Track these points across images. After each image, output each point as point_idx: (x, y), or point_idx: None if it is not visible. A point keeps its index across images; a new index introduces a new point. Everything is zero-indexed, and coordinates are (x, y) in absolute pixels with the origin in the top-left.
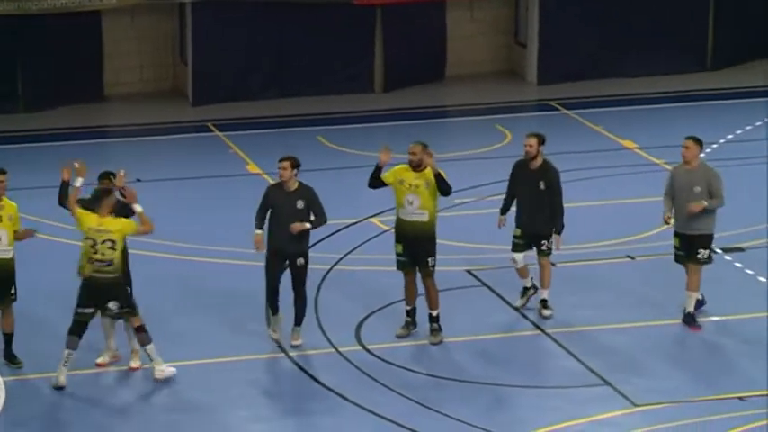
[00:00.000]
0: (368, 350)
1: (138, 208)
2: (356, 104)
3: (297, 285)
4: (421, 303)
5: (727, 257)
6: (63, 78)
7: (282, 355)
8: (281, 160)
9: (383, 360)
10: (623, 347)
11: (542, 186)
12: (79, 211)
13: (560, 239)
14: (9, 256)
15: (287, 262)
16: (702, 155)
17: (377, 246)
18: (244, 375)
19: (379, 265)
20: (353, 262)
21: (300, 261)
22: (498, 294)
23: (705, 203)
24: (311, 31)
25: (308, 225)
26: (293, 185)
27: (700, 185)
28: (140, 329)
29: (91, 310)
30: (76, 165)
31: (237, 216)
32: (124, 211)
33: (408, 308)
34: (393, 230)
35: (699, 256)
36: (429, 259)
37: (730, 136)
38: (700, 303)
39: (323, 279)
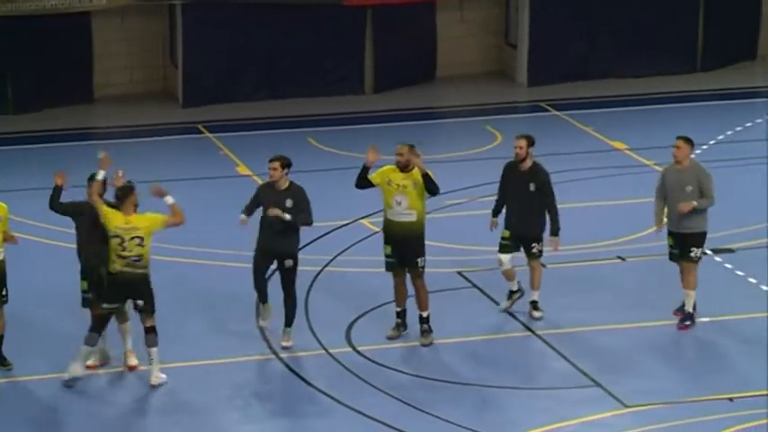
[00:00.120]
0: (358, 352)
1: (169, 200)
2: (346, 105)
3: (286, 286)
4: (411, 305)
5: (718, 259)
6: (53, 80)
7: (273, 356)
8: (271, 160)
9: (373, 361)
10: (614, 348)
11: (532, 188)
12: (105, 209)
13: (559, 241)
14: (0, 257)
15: (275, 261)
16: (693, 155)
17: (367, 247)
18: (234, 377)
19: (369, 266)
20: (344, 263)
21: (289, 263)
22: (488, 296)
23: (695, 203)
24: (301, 33)
25: (287, 216)
26: (284, 184)
27: (691, 185)
28: (151, 330)
29: (116, 306)
30: (101, 156)
31: (228, 218)
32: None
33: (398, 309)
34: (382, 232)
35: (691, 254)
36: (418, 260)
37: (720, 137)
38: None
39: (313, 281)
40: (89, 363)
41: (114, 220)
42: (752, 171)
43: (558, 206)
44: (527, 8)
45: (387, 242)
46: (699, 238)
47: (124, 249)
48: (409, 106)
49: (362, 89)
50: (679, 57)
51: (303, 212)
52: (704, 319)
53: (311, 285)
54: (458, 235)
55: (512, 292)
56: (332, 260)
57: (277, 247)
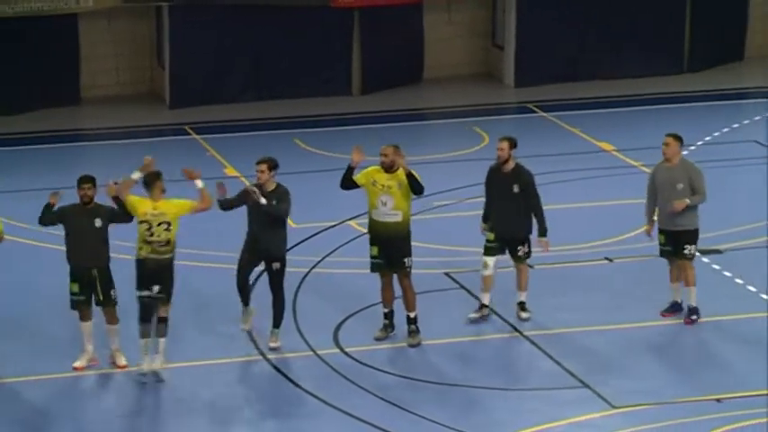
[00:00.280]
0: (346, 353)
1: (199, 183)
2: (334, 107)
3: (274, 288)
4: (399, 306)
5: (705, 259)
6: (40, 81)
7: (260, 357)
8: (258, 162)
9: (361, 363)
10: (601, 349)
11: (516, 190)
12: (131, 198)
13: (548, 241)
14: None
15: (261, 262)
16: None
17: (355, 248)
18: (221, 378)
19: (357, 267)
20: (331, 265)
21: (276, 265)
22: (476, 297)
23: (688, 201)
24: (289, 34)
25: (263, 200)
26: (271, 186)
27: (682, 182)
28: (164, 320)
29: (148, 293)
30: (146, 160)
31: (215, 219)
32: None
33: (386, 310)
34: (368, 233)
35: (686, 252)
36: (405, 260)
37: (708, 138)
38: (677, 307)
39: (301, 282)
40: (76, 364)
41: (143, 206)
42: (739, 172)
43: (546, 207)
44: (514, 10)
45: (373, 243)
46: (692, 236)
47: (152, 235)
48: (396, 108)
49: (350, 90)
50: (666, 58)
51: (279, 202)
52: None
53: (299, 287)
54: (445, 236)
55: (482, 306)
56: (319, 261)
57: (265, 248)
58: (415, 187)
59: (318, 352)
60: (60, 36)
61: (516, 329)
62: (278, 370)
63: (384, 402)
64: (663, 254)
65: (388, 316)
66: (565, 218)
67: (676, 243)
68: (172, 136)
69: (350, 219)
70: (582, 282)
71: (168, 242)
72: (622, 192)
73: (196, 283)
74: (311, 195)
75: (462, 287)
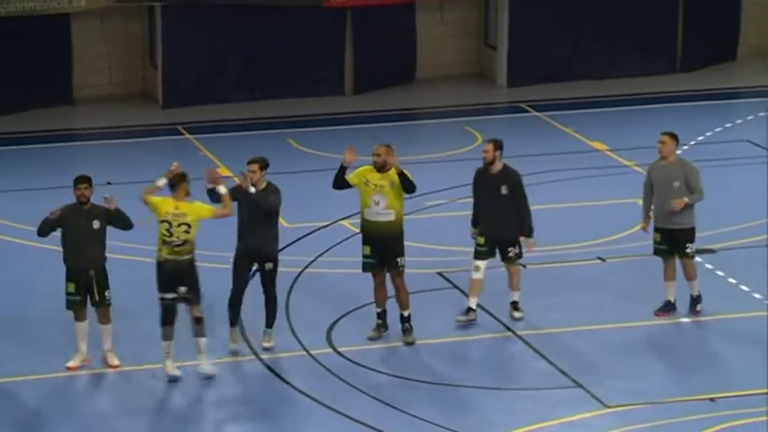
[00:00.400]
0: (339, 352)
1: (222, 189)
2: (326, 107)
3: (267, 287)
4: (392, 305)
5: (698, 259)
6: (32, 81)
7: (253, 357)
8: (249, 162)
9: (354, 362)
10: (594, 349)
11: (504, 191)
12: (153, 198)
13: (534, 242)
14: None
15: (255, 265)
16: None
17: (348, 248)
18: (215, 378)
19: (350, 267)
20: (324, 265)
21: (269, 266)
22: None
23: (686, 199)
24: (281, 34)
25: (252, 188)
26: (262, 185)
27: (678, 180)
28: (199, 321)
29: (171, 295)
30: (173, 166)
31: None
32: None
33: (379, 310)
34: (360, 232)
35: (687, 250)
36: (398, 259)
37: (701, 138)
38: (671, 307)
39: (294, 282)
40: (69, 364)
41: (165, 206)
42: (732, 172)
43: (539, 207)
44: (506, 10)
45: (365, 243)
46: (690, 234)
47: (171, 235)
48: (389, 107)
49: (342, 90)
50: (659, 58)
51: (272, 195)
52: (685, 320)
53: (292, 286)
54: (438, 236)
55: (469, 309)
56: (312, 261)
57: (257, 247)
58: (407, 186)
59: (311, 352)
60: (53, 36)
61: (509, 329)
62: (271, 370)
63: (377, 402)
64: (657, 252)
65: (381, 316)
66: (558, 217)
67: (674, 242)
68: (164, 136)
69: (343, 218)
70: (575, 281)
71: (185, 242)
72: (615, 191)
73: None
74: (304, 195)
75: (455, 287)
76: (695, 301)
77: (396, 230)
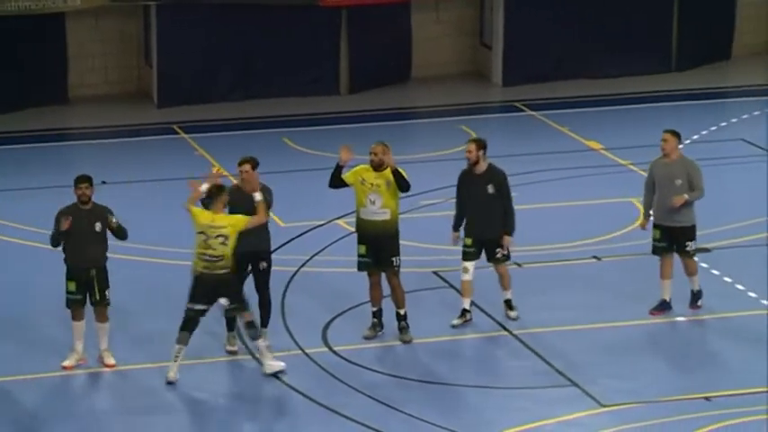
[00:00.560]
0: (334, 352)
1: (257, 196)
2: (322, 106)
3: (261, 287)
4: (387, 304)
5: (694, 258)
6: (27, 80)
7: (248, 357)
8: (241, 163)
9: (350, 361)
10: (590, 348)
11: (490, 190)
12: (194, 209)
13: (510, 240)
14: None
15: (249, 266)
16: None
17: (343, 247)
18: (210, 377)
19: (345, 266)
20: (320, 264)
21: (263, 265)
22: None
23: (686, 197)
24: (277, 33)
25: (258, 196)
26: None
27: (680, 178)
28: (250, 325)
29: (202, 307)
30: (213, 171)
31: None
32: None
33: (374, 309)
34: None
35: (687, 248)
36: (393, 259)
37: (695, 137)
38: (666, 306)
39: (289, 281)
40: (65, 364)
41: (202, 218)
42: (727, 171)
43: (534, 206)
44: (502, 9)
45: (361, 242)
46: (691, 232)
47: (208, 248)
48: (384, 107)
49: (338, 90)
50: (654, 57)
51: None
52: (680, 319)
53: (287, 286)
54: (433, 235)
55: (464, 311)
56: (308, 260)
57: (252, 249)
58: (402, 184)
59: (307, 351)
60: (48, 35)
61: (505, 328)
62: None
63: (373, 401)
64: (656, 250)
65: (377, 315)
66: (553, 216)
67: (674, 239)
68: (160, 135)
69: (338, 218)
70: (570, 280)
71: (223, 257)
72: (610, 190)
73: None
74: (299, 194)
75: (451, 286)
76: (696, 296)
77: (391, 230)
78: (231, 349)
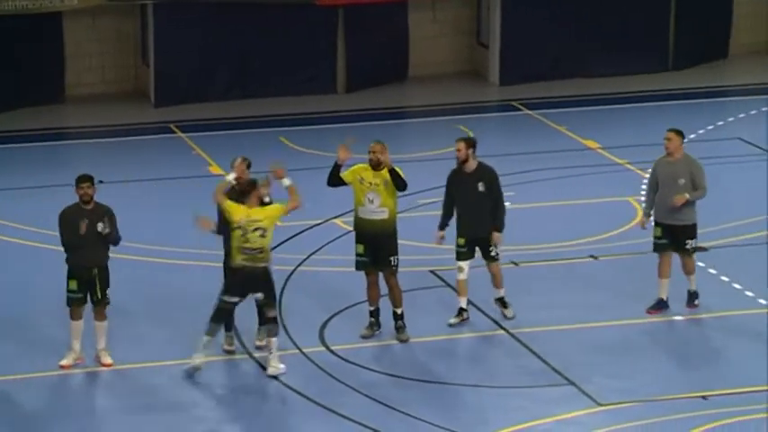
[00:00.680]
0: (332, 351)
1: (286, 182)
2: (319, 105)
3: None
4: (384, 304)
5: (692, 257)
6: (24, 80)
7: (246, 356)
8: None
9: (347, 361)
10: (587, 347)
11: (481, 188)
12: (228, 203)
13: (500, 237)
14: None
15: None
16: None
17: (340, 246)
18: (207, 376)
19: (342, 265)
20: (317, 263)
21: None
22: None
23: (687, 196)
24: (274, 32)
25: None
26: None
27: (684, 177)
28: (273, 320)
29: (236, 299)
30: (238, 160)
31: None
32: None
33: (372, 308)
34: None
35: (687, 246)
36: (391, 258)
37: (692, 135)
38: (663, 305)
39: (286, 280)
40: (62, 363)
41: (237, 213)
42: (724, 170)
43: (532, 205)
44: (499, 8)
45: (359, 241)
46: (692, 230)
47: (247, 241)
48: (381, 106)
49: (335, 89)
50: (651, 56)
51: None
52: (677, 318)
53: (284, 285)
54: (430, 234)
55: (461, 310)
56: (305, 260)
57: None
58: (398, 183)
59: (304, 350)
60: (45, 34)
61: (502, 327)
62: (264, 368)
63: (370, 400)
64: (657, 247)
65: (374, 314)
66: (550, 216)
67: (674, 237)
68: (157, 134)
69: (335, 217)
70: (567, 279)
71: (263, 250)
72: (607, 189)
73: (178, 281)
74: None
75: (448, 285)
76: (692, 296)
77: (389, 229)
78: (228, 349)
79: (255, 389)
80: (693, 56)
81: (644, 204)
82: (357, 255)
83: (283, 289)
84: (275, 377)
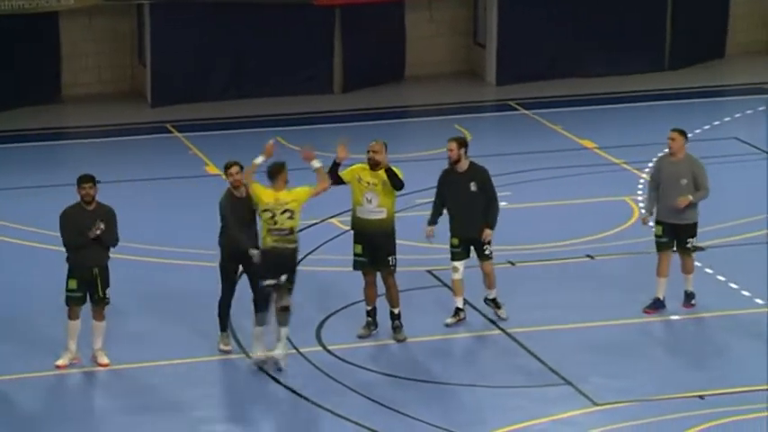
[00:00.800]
0: (328, 351)
1: (315, 164)
2: (315, 105)
3: (255, 284)
4: (381, 303)
5: (692, 256)
6: (21, 80)
7: (242, 356)
8: (229, 166)
9: (344, 360)
10: (583, 346)
11: (474, 188)
12: (255, 186)
13: (491, 234)
14: None
15: (240, 267)
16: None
17: (337, 246)
18: (204, 376)
19: (339, 265)
20: (314, 263)
21: (255, 255)
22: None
23: (691, 198)
24: (270, 32)
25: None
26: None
27: (686, 177)
28: (286, 309)
29: (273, 281)
30: (269, 144)
31: (196, 217)
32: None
33: (369, 308)
34: (351, 230)
35: (688, 245)
36: (389, 258)
37: (689, 135)
38: (660, 304)
39: None
40: (58, 363)
41: (265, 196)
42: (720, 170)
43: (528, 205)
44: (495, 8)
45: (357, 241)
46: (693, 229)
47: (275, 223)
48: (378, 105)
49: (331, 89)
50: (647, 55)
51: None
52: (674, 317)
53: None
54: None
55: (458, 310)
56: (302, 259)
57: (242, 246)
58: (395, 183)
59: (301, 350)
60: (41, 34)
61: (498, 327)
62: (260, 368)
63: (367, 400)
64: (659, 246)
65: (371, 314)
66: (546, 215)
67: (675, 236)
68: (153, 134)
69: (332, 216)
70: (564, 279)
71: (292, 231)
72: (604, 189)
73: (175, 280)
74: None
75: (444, 284)
76: (689, 296)
77: (387, 228)
78: (225, 348)
79: (252, 389)
80: (689, 56)
81: (646, 202)
82: (355, 255)
83: None
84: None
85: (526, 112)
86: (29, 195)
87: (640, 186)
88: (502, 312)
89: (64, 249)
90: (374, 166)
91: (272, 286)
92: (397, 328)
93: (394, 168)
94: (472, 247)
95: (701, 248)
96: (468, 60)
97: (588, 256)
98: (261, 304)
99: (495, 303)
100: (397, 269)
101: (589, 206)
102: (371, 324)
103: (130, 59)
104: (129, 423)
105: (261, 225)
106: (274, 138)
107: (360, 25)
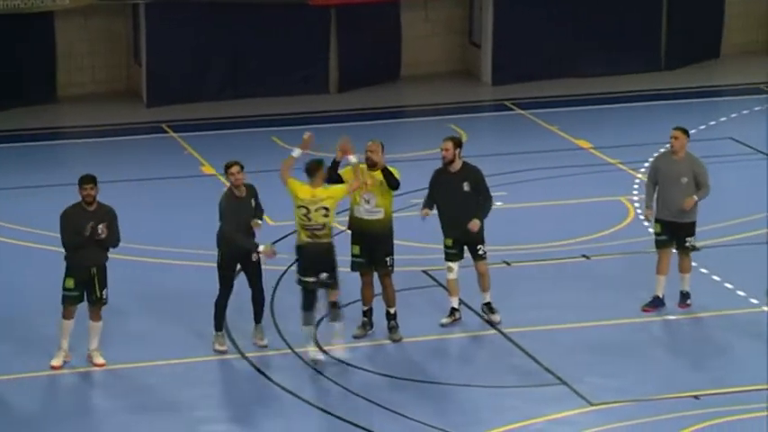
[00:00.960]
0: (324, 351)
1: (353, 159)
2: (311, 105)
3: (254, 282)
4: (378, 303)
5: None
6: (16, 79)
7: (239, 356)
8: (230, 165)
9: (340, 360)
10: (579, 346)
11: (466, 188)
12: (292, 181)
13: (478, 224)
14: None
15: (239, 266)
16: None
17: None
18: (201, 376)
19: None
20: None
21: (255, 256)
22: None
23: (695, 198)
24: (266, 32)
25: (259, 222)
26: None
27: (686, 176)
28: (335, 305)
29: (313, 279)
30: (305, 136)
31: (192, 217)
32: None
33: (365, 308)
34: (348, 231)
35: (687, 244)
36: (387, 258)
37: None
38: (659, 302)
39: (279, 280)
40: (53, 363)
41: (302, 192)
42: (716, 170)
43: (523, 205)
44: (491, 7)
45: (355, 241)
46: (692, 227)
47: (309, 220)
48: (374, 105)
49: (327, 88)
50: (643, 55)
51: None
52: (669, 317)
53: (277, 284)
54: (423, 234)
55: (453, 310)
56: (298, 259)
57: (246, 250)
58: (391, 182)
59: (297, 350)
60: (37, 34)
61: (494, 327)
62: (256, 368)
63: (363, 400)
64: (657, 244)
65: (368, 314)
66: (542, 215)
67: (674, 234)
68: (149, 134)
69: None
70: (560, 279)
71: (325, 226)
72: (600, 189)
73: (171, 280)
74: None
75: (440, 284)
76: (685, 296)
77: (385, 229)
78: (220, 349)
79: (248, 389)
80: (685, 56)
81: (645, 198)
82: (353, 256)
83: (275, 288)
84: (266, 375)
85: (522, 111)
86: (25, 195)
87: (636, 186)
88: (495, 317)
89: (62, 249)
90: (371, 166)
91: (314, 284)
92: (392, 329)
93: (391, 168)
94: (466, 248)
95: (697, 248)
96: (463, 60)
97: (584, 256)
98: (305, 303)
99: (489, 308)
100: (394, 269)
101: (585, 206)
102: (367, 324)
103: (126, 59)
104: (127, 423)
105: (295, 221)
106: (311, 130)
107: (355, 25)
